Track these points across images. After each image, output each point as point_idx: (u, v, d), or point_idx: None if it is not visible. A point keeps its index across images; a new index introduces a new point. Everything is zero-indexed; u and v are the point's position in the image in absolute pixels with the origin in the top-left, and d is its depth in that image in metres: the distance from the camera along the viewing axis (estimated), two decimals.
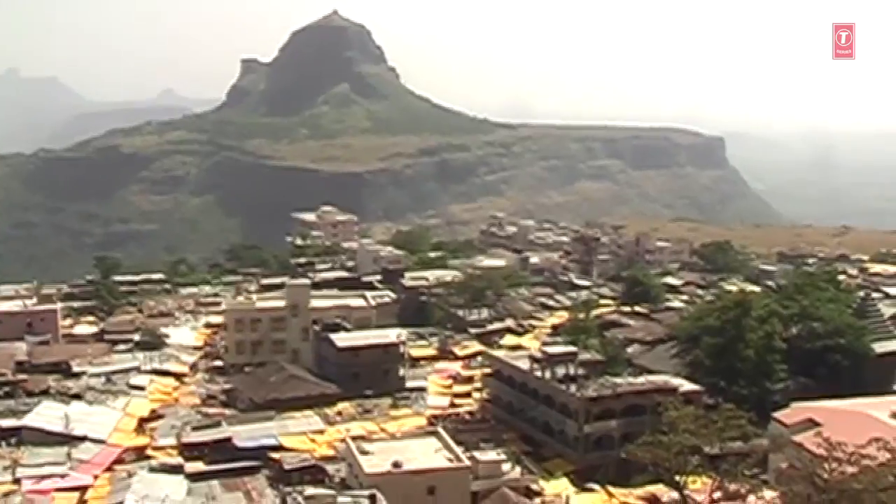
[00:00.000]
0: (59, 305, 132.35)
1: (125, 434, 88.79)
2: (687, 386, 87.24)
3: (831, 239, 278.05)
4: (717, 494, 60.25)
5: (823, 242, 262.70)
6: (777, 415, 76.87)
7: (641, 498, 73.23)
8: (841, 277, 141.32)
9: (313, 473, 78.15)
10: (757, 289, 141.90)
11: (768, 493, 58.93)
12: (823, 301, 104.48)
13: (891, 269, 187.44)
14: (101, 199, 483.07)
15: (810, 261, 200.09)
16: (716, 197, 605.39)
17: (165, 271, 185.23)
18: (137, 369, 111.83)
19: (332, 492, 68.10)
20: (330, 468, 78.96)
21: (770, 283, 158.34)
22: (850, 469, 49.30)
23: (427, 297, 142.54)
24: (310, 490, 70.24)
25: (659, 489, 71.03)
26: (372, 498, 60.71)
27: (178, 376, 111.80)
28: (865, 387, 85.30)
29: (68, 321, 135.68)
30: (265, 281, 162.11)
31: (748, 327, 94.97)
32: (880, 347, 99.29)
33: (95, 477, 78.48)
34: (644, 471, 68.25)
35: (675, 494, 64.95)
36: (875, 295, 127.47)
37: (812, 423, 69.31)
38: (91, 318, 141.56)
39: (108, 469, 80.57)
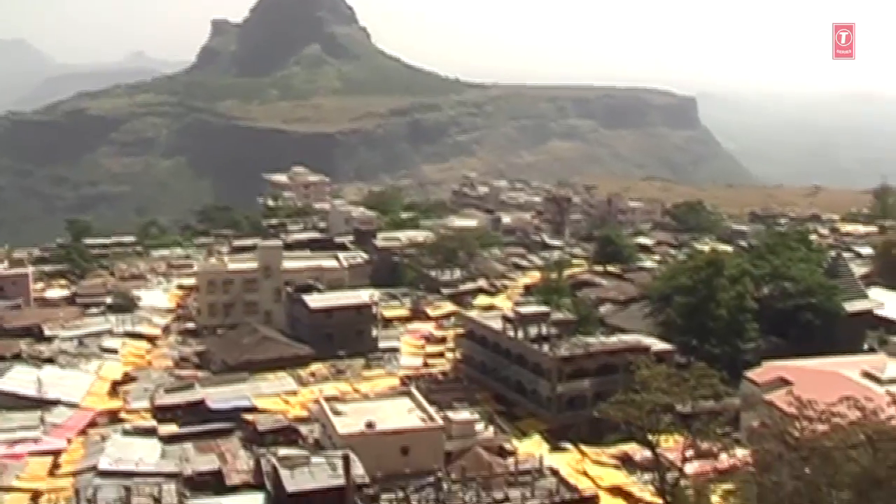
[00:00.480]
0: (30, 269, 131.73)
1: (98, 397, 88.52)
2: (659, 345, 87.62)
3: (803, 199, 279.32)
4: (689, 453, 60.57)
5: (795, 202, 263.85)
6: (749, 374, 77.37)
7: (614, 456, 73.60)
8: (812, 237, 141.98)
9: (287, 434, 78.16)
10: (729, 249, 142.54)
11: (740, 452, 59.29)
12: (795, 261, 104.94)
13: (862, 228, 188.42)
14: (70, 162, 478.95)
15: (782, 221, 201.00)
16: (688, 157, 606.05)
17: (137, 234, 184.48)
18: (110, 332, 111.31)
19: (305, 452, 68.21)
20: (303, 429, 78.99)
21: (742, 242, 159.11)
22: (821, 427, 49.61)
23: (399, 258, 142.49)
24: (283, 451, 70.41)
25: (631, 448, 71.42)
26: (345, 458, 60.73)
27: (151, 339, 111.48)
28: (836, 346, 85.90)
29: (40, 285, 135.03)
30: (237, 243, 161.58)
31: (720, 287, 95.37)
32: (851, 307, 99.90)
33: (69, 441, 78.24)
34: (616, 429, 68.54)
35: (647, 453, 65.22)
36: (846, 254, 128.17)
37: (783, 382, 69.75)
38: (62, 282, 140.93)
39: (82, 433, 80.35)
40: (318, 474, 62.33)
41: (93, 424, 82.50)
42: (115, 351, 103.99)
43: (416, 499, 64.70)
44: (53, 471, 73.27)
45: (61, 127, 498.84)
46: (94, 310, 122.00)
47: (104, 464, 71.39)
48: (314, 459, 64.34)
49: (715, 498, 49.98)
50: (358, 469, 61.10)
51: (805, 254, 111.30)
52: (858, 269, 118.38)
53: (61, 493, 68.57)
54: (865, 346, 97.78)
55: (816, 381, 66.33)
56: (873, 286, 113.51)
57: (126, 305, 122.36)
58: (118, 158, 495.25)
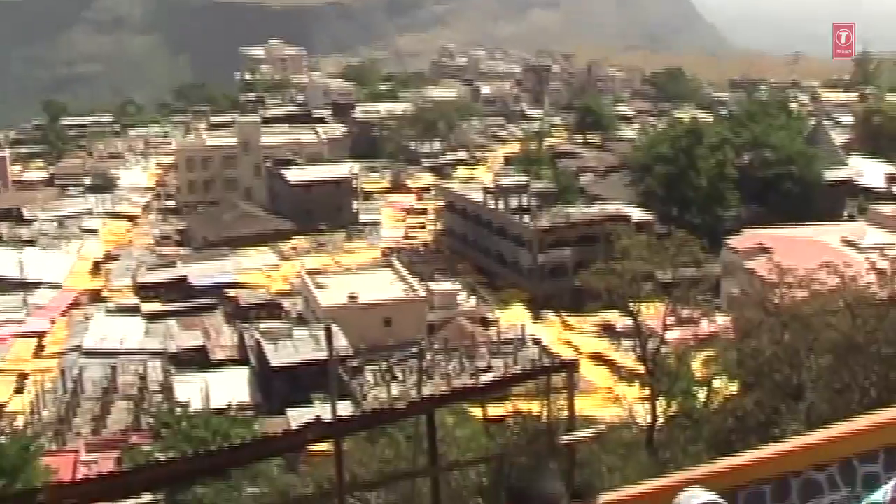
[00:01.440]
0: (6, 151, 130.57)
1: (80, 278, 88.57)
2: (639, 214, 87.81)
3: (784, 67, 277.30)
4: (669, 320, 60.99)
5: (776, 70, 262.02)
6: (729, 241, 77.68)
7: (596, 325, 74.18)
8: (792, 105, 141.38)
9: (269, 309, 78.52)
10: (709, 117, 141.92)
11: (720, 319, 59.76)
12: (775, 128, 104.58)
13: (842, 96, 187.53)
14: (44, 42, 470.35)
15: (762, 88, 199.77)
16: (668, 27, 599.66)
17: (114, 113, 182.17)
18: (89, 212, 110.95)
19: (288, 326, 68.58)
20: (286, 303, 79.35)
21: (722, 110, 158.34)
22: (801, 294, 49.97)
23: (378, 130, 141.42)
24: (266, 325, 70.78)
25: (613, 316, 71.91)
26: (328, 331, 61.02)
27: (131, 218, 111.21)
28: (816, 213, 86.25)
29: (17, 167, 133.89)
30: (215, 118, 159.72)
31: (700, 155, 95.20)
32: (831, 174, 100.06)
33: (52, 322, 78.44)
34: (598, 299, 68.61)
35: (628, 321, 65.70)
36: (826, 122, 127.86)
37: (763, 250, 70.10)
38: (40, 163, 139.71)
39: (65, 313, 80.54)
40: (302, 348, 62.78)
41: (76, 305, 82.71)
42: (95, 231, 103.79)
43: (400, 370, 65.35)
44: (38, 352, 73.62)
45: (33, 6, 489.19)
46: (72, 190, 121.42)
47: (88, 343, 71.72)
48: (297, 333, 64.72)
49: (695, 364, 50.47)
50: (341, 342, 61.50)
51: (785, 121, 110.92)
52: (838, 137, 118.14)
53: (46, 373, 68.99)
54: (845, 214, 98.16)
55: (796, 248, 66.63)
56: (853, 154, 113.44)
57: (105, 185, 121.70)
58: (92, 37, 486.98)
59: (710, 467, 11.13)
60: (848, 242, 71.29)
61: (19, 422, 61.98)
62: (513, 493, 6.88)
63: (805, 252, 62.56)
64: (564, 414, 18.21)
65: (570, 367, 13.30)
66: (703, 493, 6.22)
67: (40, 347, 74.16)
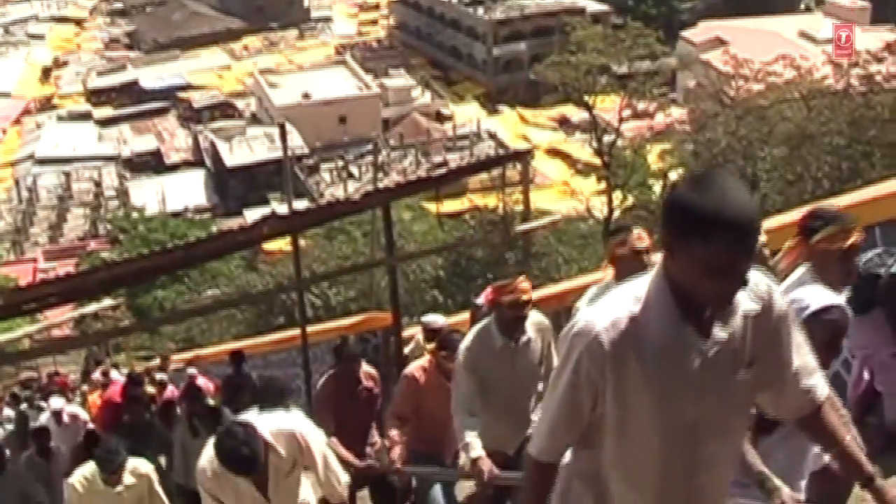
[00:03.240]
0: None
1: (29, 85, 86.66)
2: (595, 6, 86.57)
3: None
4: (625, 113, 60.97)
5: None
6: (685, 33, 77.04)
7: (551, 118, 74.06)
8: None
9: (223, 109, 77.53)
10: None
11: (676, 111, 59.77)
12: None
13: None
14: None
15: None
16: None
17: None
18: (35, 18, 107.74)
19: (242, 124, 68.09)
20: (239, 103, 78.37)
21: None
22: (756, 86, 49.95)
23: None
24: (220, 124, 70.16)
25: (568, 109, 71.73)
26: (282, 129, 60.56)
27: (78, 22, 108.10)
28: (773, 5, 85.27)
29: None
30: None
31: None
32: None
33: (4, 132, 77.22)
34: (553, 91, 68.51)
35: (584, 114, 65.66)
36: None
37: (720, 42, 69.60)
38: None
39: (16, 122, 79.26)
40: (257, 147, 62.52)
41: (26, 113, 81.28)
42: (42, 37, 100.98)
43: (356, 167, 65.33)
44: None
45: None
46: None
47: (41, 151, 70.99)
48: (251, 132, 64.29)
49: (651, 157, 50.70)
50: (296, 140, 61.18)
51: None
52: None
53: (0, 184, 68.46)
54: (802, 6, 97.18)
55: (753, 40, 66.20)
56: None
57: None
58: None
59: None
60: (805, 35, 70.89)
61: None
62: None
63: (761, 44, 62.18)
64: (520, 206, 18.30)
65: (524, 155, 13.28)
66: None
67: None
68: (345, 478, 6.44)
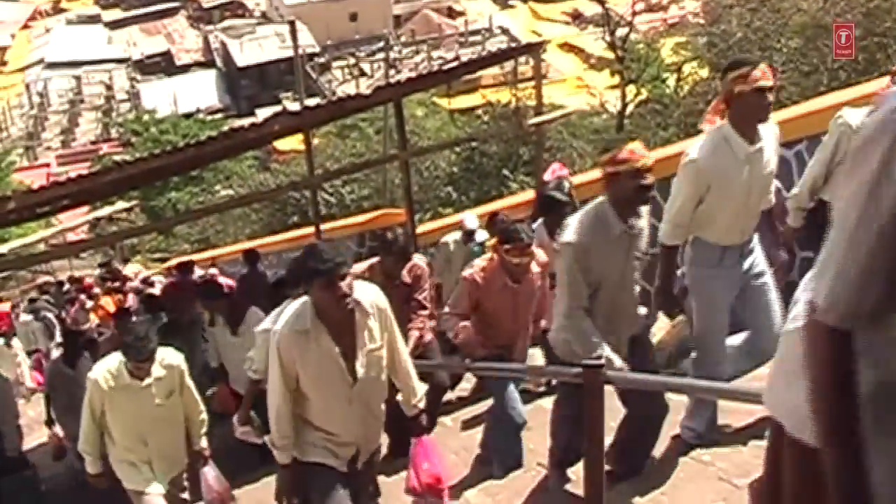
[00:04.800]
0: None
1: None
2: None
3: None
4: (639, 6, 60.00)
5: None
6: None
7: (564, 13, 73.15)
8: None
9: (233, 9, 76.54)
10: None
11: (690, 3, 58.92)
12: None
13: None
14: None
15: None
16: None
17: None
18: None
19: (253, 22, 67.43)
20: (249, 2, 77.22)
21: None
22: None
23: None
24: (230, 23, 69.51)
25: (581, 3, 70.83)
26: (292, 26, 60.10)
27: None
28: None
29: None
30: None
31: None
32: None
33: (12, 36, 76.61)
34: None
35: (597, 7, 64.89)
36: None
37: None
38: None
39: (25, 27, 78.62)
40: (267, 46, 61.98)
41: (35, 17, 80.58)
42: None
43: (367, 64, 64.79)
44: (1, 68, 72.46)
45: None
46: None
47: (51, 56, 70.44)
48: (262, 31, 63.68)
49: (665, 50, 50.16)
50: (307, 38, 60.60)
51: None
52: None
53: (11, 89, 68.15)
54: None
55: None
56: None
57: None
58: None
59: (681, 145, 11.16)
60: None
61: None
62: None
63: None
64: (533, 101, 18.14)
65: (536, 48, 13.08)
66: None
67: (2, 63, 72.82)
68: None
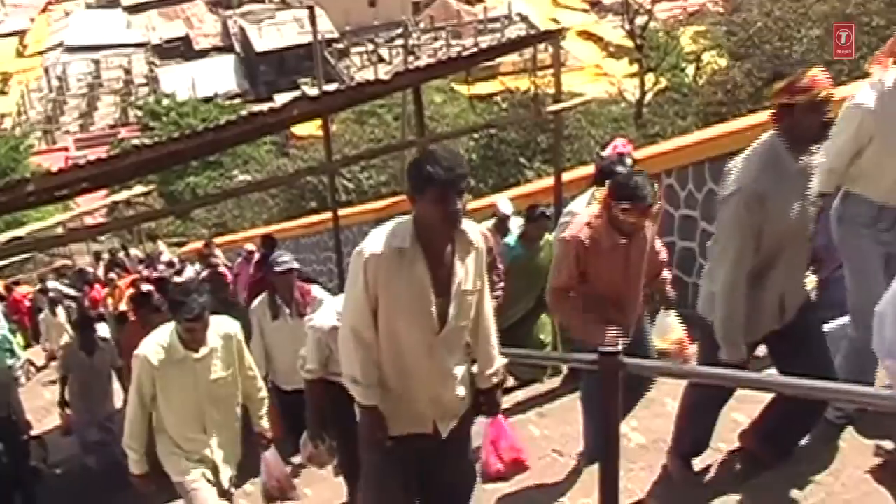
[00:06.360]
0: None
1: None
2: None
3: None
4: None
5: None
6: None
7: (585, 1, 72.93)
8: None
9: None
10: None
11: None
12: None
13: None
14: None
15: None
16: None
17: None
18: None
19: (272, 7, 67.43)
20: None
21: None
22: None
23: None
24: (248, 7, 69.53)
25: None
26: (311, 11, 59.99)
27: None
28: None
29: None
30: None
31: None
32: None
33: (32, 20, 76.75)
34: None
35: None
36: None
37: None
38: None
39: (44, 10, 78.67)
40: (286, 31, 61.95)
41: (54, 1, 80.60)
42: None
43: (386, 50, 64.71)
44: (21, 52, 72.60)
45: None
46: None
47: (70, 39, 70.54)
48: (280, 16, 63.65)
49: (685, 39, 50.03)
50: (326, 24, 60.54)
51: None
52: None
53: (30, 73, 68.28)
54: None
55: None
56: None
57: None
58: None
59: (698, 135, 11.12)
60: None
61: (7, 123, 61.99)
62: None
63: None
64: (551, 89, 18.06)
65: (555, 35, 13.01)
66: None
67: (22, 47, 72.97)
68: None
